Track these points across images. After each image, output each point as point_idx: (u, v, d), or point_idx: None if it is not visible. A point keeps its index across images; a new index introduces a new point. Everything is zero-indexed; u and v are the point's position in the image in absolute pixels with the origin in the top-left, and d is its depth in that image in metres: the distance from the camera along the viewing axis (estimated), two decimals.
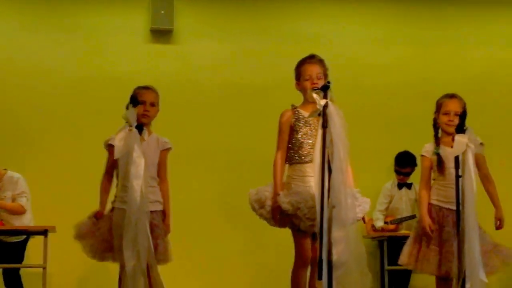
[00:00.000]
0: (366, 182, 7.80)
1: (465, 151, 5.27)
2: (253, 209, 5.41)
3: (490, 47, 8.99)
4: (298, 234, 5.31)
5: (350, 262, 4.70)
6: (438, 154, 5.79)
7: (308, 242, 5.29)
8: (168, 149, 5.77)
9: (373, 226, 8.13)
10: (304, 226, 5.23)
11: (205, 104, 8.50)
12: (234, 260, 8.15)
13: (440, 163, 5.78)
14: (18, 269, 7.42)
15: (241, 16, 8.78)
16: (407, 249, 5.88)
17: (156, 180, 5.67)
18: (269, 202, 5.31)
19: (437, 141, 5.87)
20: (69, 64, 8.37)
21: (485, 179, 5.80)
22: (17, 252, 7.41)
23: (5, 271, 7.41)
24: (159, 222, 5.58)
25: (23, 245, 7.44)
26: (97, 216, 5.53)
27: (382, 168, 8.44)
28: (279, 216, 5.26)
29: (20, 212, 7.36)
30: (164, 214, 5.67)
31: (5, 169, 7.42)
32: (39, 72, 8.33)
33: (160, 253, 5.50)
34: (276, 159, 5.41)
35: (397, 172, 8.24)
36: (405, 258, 5.86)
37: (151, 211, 5.52)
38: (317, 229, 4.73)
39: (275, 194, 5.29)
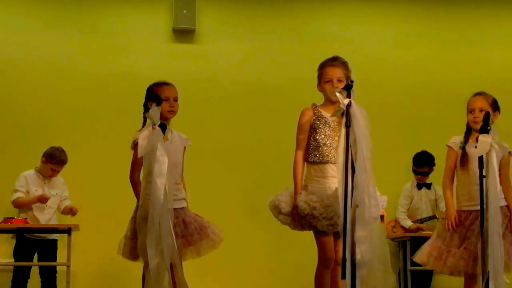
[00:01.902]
0: (385, 182, 7.84)
1: (489, 151, 5.24)
2: (274, 216, 5.43)
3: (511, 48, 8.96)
4: (319, 234, 5.31)
5: (373, 261, 4.70)
6: (463, 148, 5.78)
7: (330, 242, 5.29)
8: (188, 146, 5.81)
9: (402, 227, 8.12)
10: (321, 226, 5.23)
11: (226, 103, 8.52)
12: (257, 259, 8.18)
13: (463, 157, 5.78)
14: (55, 267, 7.46)
15: (262, 16, 8.79)
16: (427, 248, 5.86)
17: (180, 177, 5.69)
18: (283, 205, 5.31)
19: (466, 138, 5.85)
20: (91, 63, 8.40)
21: (503, 184, 5.67)
22: (52, 249, 7.48)
23: (41, 269, 7.45)
24: (191, 217, 5.61)
25: (56, 243, 7.52)
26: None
27: (400, 168, 8.42)
28: (297, 217, 5.27)
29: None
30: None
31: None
32: (61, 70, 8.36)
33: (200, 244, 5.55)
34: (296, 159, 5.41)
35: (415, 172, 8.23)
36: (424, 257, 5.84)
37: (181, 208, 5.58)
38: (340, 229, 4.74)
39: (296, 194, 5.30)
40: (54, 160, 7.43)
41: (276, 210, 5.38)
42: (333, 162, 5.27)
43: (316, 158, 5.35)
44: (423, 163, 8.14)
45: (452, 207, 5.80)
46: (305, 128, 5.43)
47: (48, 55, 8.39)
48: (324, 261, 5.30)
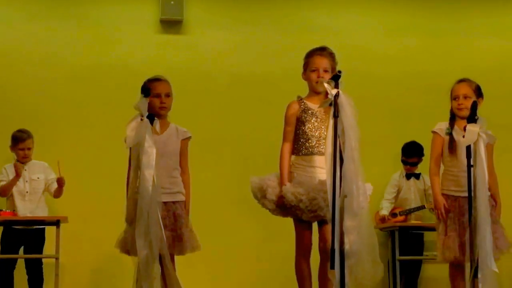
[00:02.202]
0: (374, 172, 7.84)
1: (477, 140, 5.25)
2: (255, 197, 5.44)
3: (501, 38, 8.97)
4: (300, 224, 5.35)
5: (362, 251, 4.72)
6: (450, 134, 5.79)
7: (308, 232, 5.34)
8: (188, 138, 5.78)
9: (381, 217, 8.13)
10: (306, 217, 5.26)
11: (214, 94, 8.51)
12: (245, 249, 8.17)
13: (451, 143, 5.78)
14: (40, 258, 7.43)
15: (250, 6, 8.77)
16: (438, 243, 5.85)
17: (178, 170, 5.67)
18: (270, 191, 5.33)
19: (452, 124, 5.86)
20: (79, 54, 8.37)
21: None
22: (40, 239, 7.41)
23: (27, 260, 7.40)
24: (183, 212, 5.59)
25: (42, 233, 7.43)
26: None
27: (389, 158, 8.43)
28: (280, 207, 5.30)
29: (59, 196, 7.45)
30: (185, 205, 5.68)
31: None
32: (48, 61, 8.33)
33: (186, 242, 5.51)
34: (282, 152, 5.42)
35: (404, 162, 8.23)
36: (438, 252, 5.84)
37: (174, 202, 5.56)
38: (329, 218, 4.76)
39: (282, 186, 5.30)
40: (15, 140, 7.43)
41: (261, 193, 5.39)
42: (320, 153, 5.29)
43: (306, 150, 5.36)
44: (412, 153, 8.15)
45: (440, 196, 5.81)
46: (291, 121, 5.44)
47: (35, 46, 8.35)
48: (301, 250, 5.35)
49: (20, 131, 7.45)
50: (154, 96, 5.57)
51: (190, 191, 5.75)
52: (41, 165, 7.54)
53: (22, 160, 7.46)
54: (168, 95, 5.67)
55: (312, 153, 5.34)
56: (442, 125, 5.92)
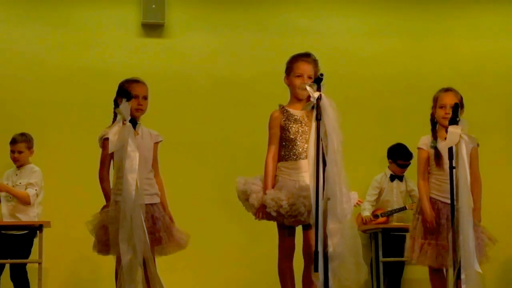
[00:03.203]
0: (358, 174, 7.88)
1: (459, 142, 5.27)
2: (239, 198, 5.45)
3: (480, 39, 9.00)
4: (282, 229, 5.36)
5: (345, 253, 4.73)
6: (435, 148, 5.81)
7: (290, 237, 5.34)
8: (160, 142, 5.79)
9: (362, 219, 8.14)
10: (287, 222, 5.26)
11: (196, 97, 8.51)
12: (230, 252, 8.18)
13: (437, 157, 5.81)
14: (24, 263, 7.33)
15: (231, 10, 8.77)
16: (409, 243, 5.90)
17: (151, 173, 5.67)
18: (253, 196, 5.33)
19: (434, 135, 5.89)
20: (60, 57, 8.36)
21: (471, 176, 5.50)
22: (23, 245, 7.32)
23: (12, 265, 7.33)
24: (160, 214, 5.58)
25: (29, 239, 7.32)
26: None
27: (374, 160, 8.45)
28: (263, 212, 5.29)
29: (24, 200, 7.29)
30: (163, 206, 5.68)
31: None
32: (28, 64, 8.31)
33: (166, 243, 5.53)
34: (267, 160, 5.42)
35: (400, 165, 8.15)
36: (408, 253, 5.89)
37: (152, 204, 5.56)
38: (312, 221, 4.76)
39: (266, 189, 5.31)
40: (10, 142, 7.40)
41: (244, 195, 5.40)
42: (304, 158, 5.28)
43: (291, 157, 5.36)
44: (410, 156, 8.07)
45: (431, 209, 5.84)
46: (274, 130, 5.44)
47: (17, 48, 8.34)
48: (284, 252, 5.36)
49: (20, 134, 7.40)
50: (132, 97, 5.53)
51: (165, 192, 5.75)
52: (30, 171, 7.44)
53: (14, 162, 7.42)
54: (145, 97, 5.66)
55: (297, 158, 5.34)
56: (425, 140, 5.95)
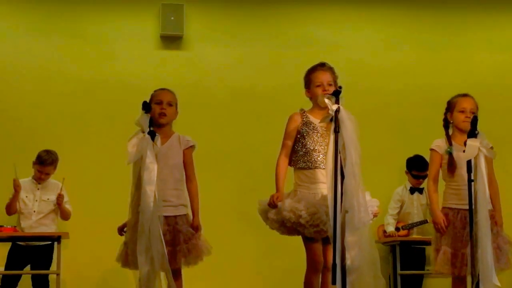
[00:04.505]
0: (376, 185, 7.84)
1: (477, 155, 5.26)
2: (262, 219, 5.45)
3: (497, 52, 8.98)
4: (307, 240, 5.32)
5: (363, 266, 4.72)
6: (450, 154, 5.78)
7: (318, 247, 5.30)
8: (192, 147, 5.69)
9: (384, 231, 8.11)
10: (308, 233, 5.23)
11: (214, 109, 8.52)
12: (246, 264, 8.17)
13: (451, 164, 5.77)
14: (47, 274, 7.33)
15: (249, 22, 8.79)
16: (433, 255, 5.85)
17: (181, 182, 5.61)
18: (272, 211, 5.31)
19: (449, 140, 5.85)
20: (79, 69, 8.39)
21: (487, 180, 5.52)
22: (46, 255, 7.35)
23: (34, 275, 7.34)
24: (183, 227, 5.49)
25: (51, 248, 7.34)
26: None
27: (393, 172, 8.42)
28: (284, 226, 5.27)
29: (67, 217, 7.42)
30: (193, 213, 5.59)
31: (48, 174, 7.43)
32: (49, 77, 8.35)
33: (187, 256, 5.45)
34: (278, 162, 5.43)
35: (416, 176, 8.11)
36: (434, 265, 5.83)
37: (175, 216, 5.49)
38: (330, 234, 4.75)
39: (280, 203, 5.28)
40: (38, 161, 7.36)
41: (263, 215, 5.40)
42: (322, 167, 5.27)
43: (305, 164, 5.36)
44: (424, 167, 8.02)
45: (439, 211, 5.79)
46: (292, 134, 5.44)
47: (36, 61, 8.38)
48: (312, 266, 5.31)
49: (48, 153, 7.35)
50: (155, 103, 5.55)
51: (199, 199, 5.66)
52: (54, 186, 7.45)
53: (37, 179, 7.42)
54: (170, 104, 5.62)
55: (312, 167, 5.33)
56: (439, 142, 5.90)
